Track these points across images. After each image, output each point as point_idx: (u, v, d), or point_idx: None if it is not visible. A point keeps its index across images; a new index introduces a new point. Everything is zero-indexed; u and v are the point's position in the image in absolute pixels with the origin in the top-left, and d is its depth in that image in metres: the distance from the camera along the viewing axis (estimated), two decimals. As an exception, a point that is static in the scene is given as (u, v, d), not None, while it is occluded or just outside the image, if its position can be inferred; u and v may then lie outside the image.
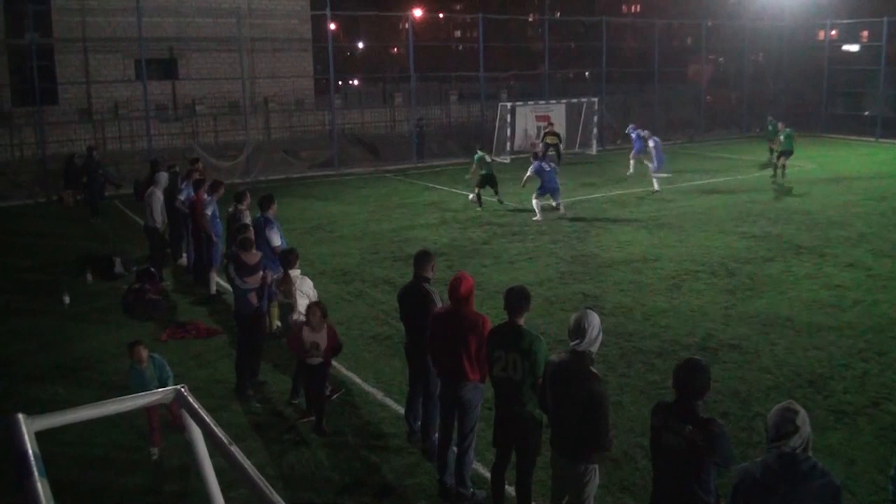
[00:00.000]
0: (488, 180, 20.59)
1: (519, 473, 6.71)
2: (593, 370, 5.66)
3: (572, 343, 5.72)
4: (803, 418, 4.33)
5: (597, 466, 5.89)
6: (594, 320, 5.72)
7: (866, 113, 38.65)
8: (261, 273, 9.66)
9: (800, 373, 10.01)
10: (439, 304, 7.73)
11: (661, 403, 5.22)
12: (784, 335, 11.32)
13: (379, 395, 9.63)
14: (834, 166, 28.41)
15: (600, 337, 5.77)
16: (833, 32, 42.18)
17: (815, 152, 31.79)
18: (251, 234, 10.21)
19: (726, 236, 17.37)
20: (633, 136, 26.19)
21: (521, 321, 6.46)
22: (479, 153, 21.54)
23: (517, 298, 6.46)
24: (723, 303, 12.81)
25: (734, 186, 24.07)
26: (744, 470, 4.51)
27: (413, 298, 7.96)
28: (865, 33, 46.19)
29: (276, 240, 11.42)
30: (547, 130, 30.01)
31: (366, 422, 8.96)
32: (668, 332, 11.46)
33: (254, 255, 9.74)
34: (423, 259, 8.04)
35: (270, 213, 11.64)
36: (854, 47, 45.61)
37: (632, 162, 26.25)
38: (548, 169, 19.43)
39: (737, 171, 26.96)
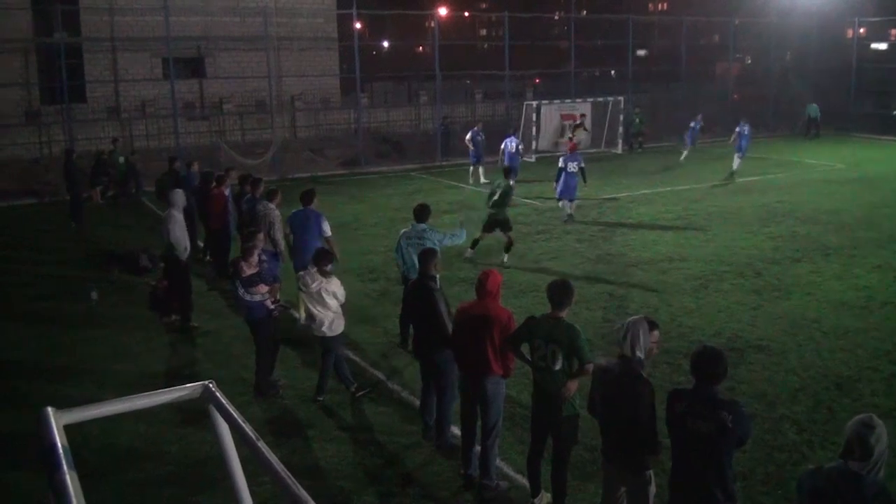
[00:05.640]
0: None
1: (555, 462, 6.86)
2: (642, 374, 5.70)
3: (622, 349, 5.73)
4: (878, 436, 4.16)
5: (651, 472, 5.90)
6: (643, 328, 5.73)
7: (895, 112, 38.16)
8: (266, 285, 9.51)
9: (827, 375, 9.91)
10: (441, 302, 7.85)
11: (682, 391, 5.34)
12: (811, 337, 11.22)
13: (403, 393, 9.67)
14: (863, 166, 28.07)
15: (654, 346, 5.82)
16: (861, 30, 41.68)
17: (844, 152, 31.46)
18: (258, 240, 10.07)
19: (754, 236, 17.22)
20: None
21: (563, 314, 6.60)
22: None
23: (560, 292, 6.62)
24: (749, 303, 12.71)
25: (762, 186, 23.84)
26: (810, 474, 4.47)
27: (418, 296, 8.09)
28: (894, 31, 45.65)
29: (328, 229, 11.79)
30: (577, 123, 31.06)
31: (389, 419, 9.00)
32: (695, 333, 11.39)
33: (255, 265, 9.54)
34: (426, 257, 8.25)
35: (315, 206, 11.88)
36: (883, 45, 45.09)
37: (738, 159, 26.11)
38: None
39: (765, 171, 26.70)
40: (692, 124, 29.83)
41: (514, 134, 24.23)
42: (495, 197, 15.22)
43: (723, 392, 5.19)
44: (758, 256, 15.54)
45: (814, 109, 36.04)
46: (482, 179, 24.92)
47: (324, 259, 9.36)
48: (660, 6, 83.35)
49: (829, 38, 43.70)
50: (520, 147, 23.82)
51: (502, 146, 23.70)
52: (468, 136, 25.45)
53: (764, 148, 33.61)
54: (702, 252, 15.97)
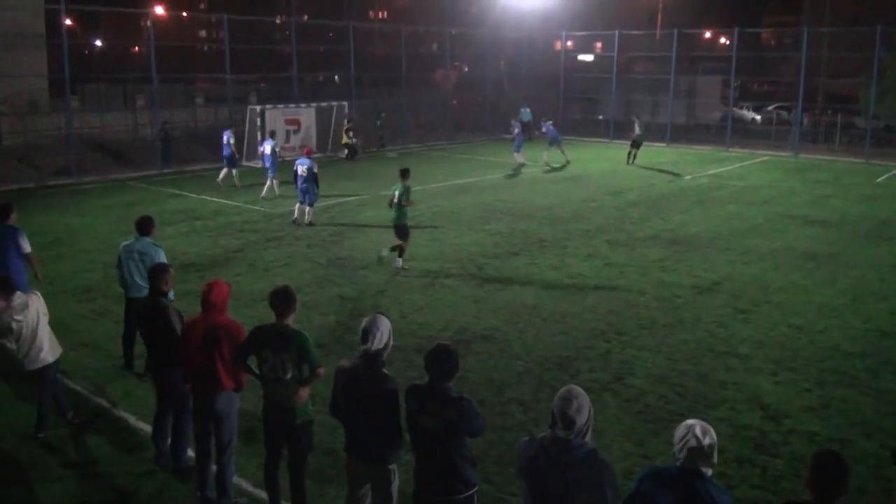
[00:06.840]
0: None
1: (292, 470, 6.75)
2: (385, 371, 5.74)
3: (363, 347, 5.72)
4: (578, 407, 4.49)
5: (395, 466, 5.93)
6: (383, 324, 5.77)
7: (600, 116, 41.90)
8: None
9: (548, 357, 10.61)
10: (175, 319, 7.52)
11: (415, 387, 5.47)
12: (532, 323, 11.96)
13: (132, 419, 9.01)
14: (572, 166, 30.44)
15: (391, 339, 5.82)
16: (569, 43, 45.40)
17: (556, 153, 33.80)
18: None
19: (475, 234, 18.08)
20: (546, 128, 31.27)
21: (288, 321, 6.49)
22: None
23: (281, 300, 6.49)
24: (474, 297, 13.32)
25: (481, 186, 25.11)
26: (525, 444, 4.75)
27: (149, 314, 7.68)
28: (599, 44, 50.10)
29: (27, 246, 10.55)
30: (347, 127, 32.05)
31: (118, 449, 8.35)
32: (425, 329, 11.73)
33: None
34: (156, 272, 7.85)
35: (13, 221, 10.68)
36: (589, 57, 49.34)
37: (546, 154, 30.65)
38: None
39: (483, 172, 28.12)
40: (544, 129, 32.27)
41: (270, 137, 23.81)
42: (395, 200, 14.81)
43: (454, 389, 5.35)
44: (479, 252, 16.32)
45: (526, 114, 38.46)
46: (236, 184, 24.72)
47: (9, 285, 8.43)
48: (380, 14, 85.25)
49: (541, 49, 47.07)
50: (276, 150, 23.32)
51: (261, 149, 23.36)
52: (225, 139, 24.77)
53: (482, 150, 35.44)
54: (428, 251, 16.49)
